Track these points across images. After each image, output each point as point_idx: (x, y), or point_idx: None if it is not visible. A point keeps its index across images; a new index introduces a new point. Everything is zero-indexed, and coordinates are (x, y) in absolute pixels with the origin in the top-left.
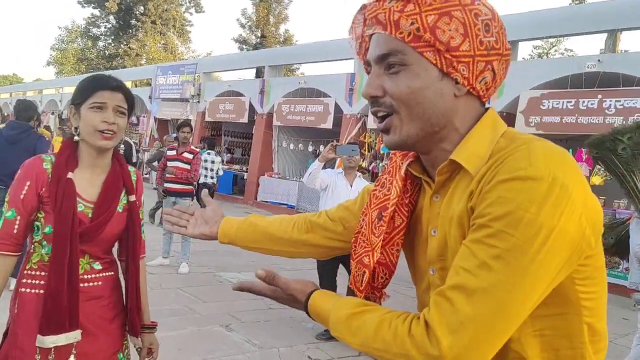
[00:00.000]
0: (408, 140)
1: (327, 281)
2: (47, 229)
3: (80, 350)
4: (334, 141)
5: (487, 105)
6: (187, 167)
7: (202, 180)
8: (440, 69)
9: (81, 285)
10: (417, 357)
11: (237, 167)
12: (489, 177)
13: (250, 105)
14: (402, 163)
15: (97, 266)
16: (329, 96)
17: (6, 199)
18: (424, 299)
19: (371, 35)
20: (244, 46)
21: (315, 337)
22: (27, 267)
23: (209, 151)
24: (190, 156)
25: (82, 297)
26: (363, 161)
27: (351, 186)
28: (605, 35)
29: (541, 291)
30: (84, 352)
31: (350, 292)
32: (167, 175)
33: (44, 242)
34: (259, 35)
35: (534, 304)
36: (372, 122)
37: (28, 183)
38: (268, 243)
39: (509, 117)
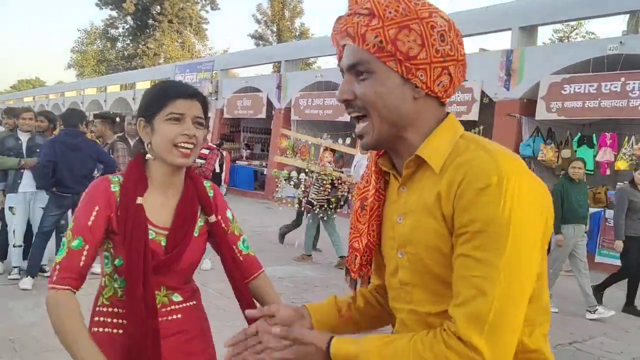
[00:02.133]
0: (380, 140)
1: None
2: (117, 261)
3: None
4: None
5: (447, 110)
6: (203, 162)
7: None
8: (401, 75)
9: (160, 319)
10: None
11: (256, 162)
12: (457, 178)
13: (268, 101)
14: (375, 158)
15: (177, 298)
16: None
17: (70, 226)
18: (390, 281)
19: (344, 45)
20: (260, 42)
21: None
22: (99, 303)
23: None
24: (207, 152)
25: (162, 333)
26: None
27: None
28: (627, 16)
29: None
30: None
31: (347, 270)
32: None
33: (116, 275)
34: (275, 30)
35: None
36: None
37: (97, 208)
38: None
39: (529, 104)
